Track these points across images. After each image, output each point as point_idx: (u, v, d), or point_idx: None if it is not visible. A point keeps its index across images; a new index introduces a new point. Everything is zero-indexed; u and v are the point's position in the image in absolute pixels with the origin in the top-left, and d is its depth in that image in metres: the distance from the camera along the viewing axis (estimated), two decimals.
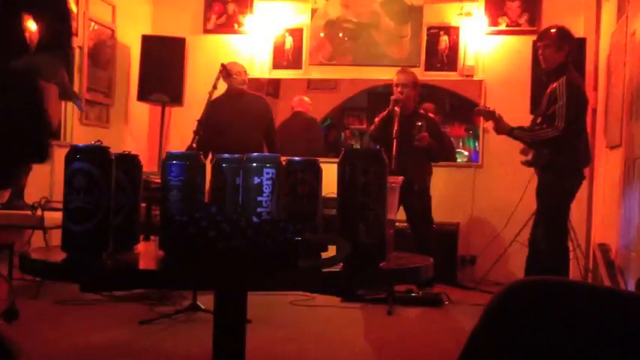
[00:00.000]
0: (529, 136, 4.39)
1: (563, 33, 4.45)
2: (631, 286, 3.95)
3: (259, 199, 1.38)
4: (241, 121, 5.25)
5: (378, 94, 6.31)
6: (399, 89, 4.94)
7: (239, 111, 5.28)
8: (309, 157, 1.55)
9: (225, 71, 4.85)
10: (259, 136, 5.36)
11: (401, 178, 1.58)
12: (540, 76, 4.78)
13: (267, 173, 1.38)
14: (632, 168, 4.33)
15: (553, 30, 4.49)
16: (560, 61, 4.35)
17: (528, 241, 4.58)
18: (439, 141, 5.07)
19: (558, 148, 4.27)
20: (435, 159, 5.11)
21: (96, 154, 1.37)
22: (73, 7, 5.32)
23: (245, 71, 5.47)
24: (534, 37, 5.20)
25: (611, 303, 0.99)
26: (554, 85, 4.30)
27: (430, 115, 5.21)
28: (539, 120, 4.49)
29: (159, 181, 1.57)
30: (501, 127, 4.51)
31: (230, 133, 5.15)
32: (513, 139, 4.49)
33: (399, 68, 5.26)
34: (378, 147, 4.27)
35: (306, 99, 6.58)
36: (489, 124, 4.83)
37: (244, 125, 5.25)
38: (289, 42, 6.64)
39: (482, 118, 5.68)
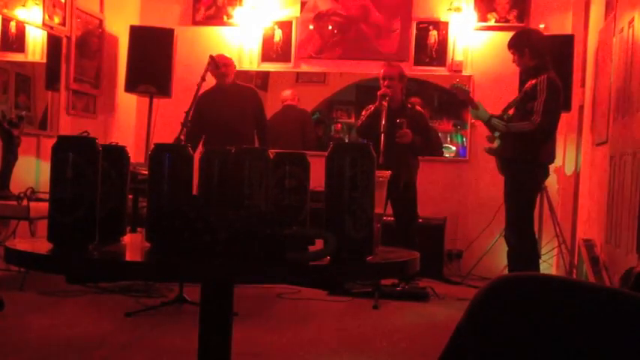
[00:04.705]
0: (505, 126, 4.42)
1: (519, 39, 4.53)
2: (615, 283, 3.98)
3: (247, 191, 1.38)
4: (232, 113, 5.25)
5: (366, 88, 6.30)
6: (386, 82, 4.93)
7: (229, 103, 5.27)
8: (298, 150, 1.55)
9: (214, 63, 4.83)
10: (250, 127, 5.36)
11: (389, 172, 1.59)
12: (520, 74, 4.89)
13: (256, 166, 1.38)
14: (618, 164, 4.36)
15: (511, 38, 4.56)
16: (529, 64, 4.42)
17: (504, 237, 4.62)
18: (425, 135, 5.06)
19: (525, 142, 4.31)
20: (420, 154, 5.09)
21: (83, 144, 1.37)
22: None
23: (233, 63, 5.46)
24: None
25: (595, 299, 1.00)
26: (534, 81, 4.35)
27: (418, 108, 5.19)
28: (511, 111, 4.54)
29: (146, 172, 1.56)
30: (480, 115, 4.55)
31: (221, 125, 5.14)
32: (488, 127, 4.54)
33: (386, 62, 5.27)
34: (365, 141, 4.27)
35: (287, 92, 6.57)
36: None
37: (235, 117, 5.25)
38: (278, 34, 6.62)
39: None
